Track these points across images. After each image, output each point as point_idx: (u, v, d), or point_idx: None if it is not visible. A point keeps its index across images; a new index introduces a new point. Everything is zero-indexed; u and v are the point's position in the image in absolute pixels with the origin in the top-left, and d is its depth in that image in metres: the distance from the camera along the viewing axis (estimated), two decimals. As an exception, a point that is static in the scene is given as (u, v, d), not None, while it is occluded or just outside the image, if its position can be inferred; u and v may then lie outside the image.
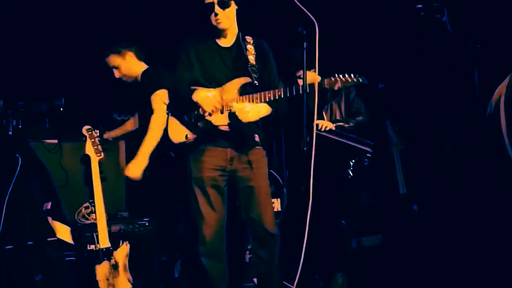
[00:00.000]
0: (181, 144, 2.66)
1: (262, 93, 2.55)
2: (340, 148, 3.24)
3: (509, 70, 2.10)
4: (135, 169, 2.93)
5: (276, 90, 2.52)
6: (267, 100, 2.55)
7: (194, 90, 2.59)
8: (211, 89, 2.60)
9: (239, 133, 2.60)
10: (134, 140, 3.98)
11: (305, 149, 2.43)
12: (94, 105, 3.89)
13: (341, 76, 2.49)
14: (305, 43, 2.33)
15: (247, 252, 3.32)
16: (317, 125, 3.35)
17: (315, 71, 2.34)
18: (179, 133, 2.66)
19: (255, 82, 2.64)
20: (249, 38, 2.74)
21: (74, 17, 3.86)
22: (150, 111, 3.04)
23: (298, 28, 2.39)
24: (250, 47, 2.70)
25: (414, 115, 3.85)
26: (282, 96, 2.52)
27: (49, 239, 2.88)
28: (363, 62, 3.63)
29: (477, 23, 3.01)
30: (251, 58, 2.68)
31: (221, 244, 2.66)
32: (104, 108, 3.97)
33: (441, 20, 2.83)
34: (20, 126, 3.27)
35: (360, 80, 2.48)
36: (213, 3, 2.57)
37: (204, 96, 2.55)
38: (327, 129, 3.33)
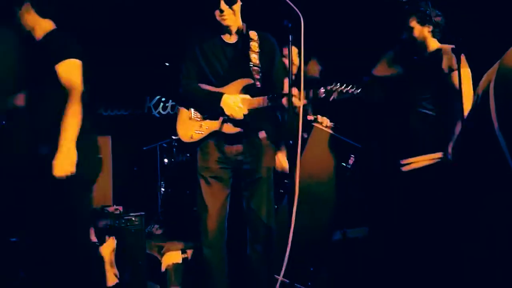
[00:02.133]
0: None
1: (258, 99, 2.54)
2: (338, 144, 3.28)
3: (491, 63, 2.11)
4: (64, 165, 2.35)
5: (265, 98, 2.52)
6: (261, 106, 2.53)
7: (222, 94, 2.56)
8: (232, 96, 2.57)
9: (246, 128, 2.60)
10: (121, 135, 3.98)
11: (290, 142, 2.43)
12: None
13: (338, 85, 2.45)
14: (290, 36, 2.31)
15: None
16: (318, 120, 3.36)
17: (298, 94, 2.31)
18: (186, 131, 2.67)
19: (257, 83, 2.61)
20: (253, 34, 2.68)
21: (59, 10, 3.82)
22: (52, 82, 2.46)
23: (283, 21, 2.38)
24: (254, 44, 2.65)
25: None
26: (270, 105, 2.51)
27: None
28: (349, 55, 3.64)
29: (461, 16, 3.03)
30: (254, 57, 2.63)
31: (221, 236, 2.69)
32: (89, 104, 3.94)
33: (425, 13, 2.85)
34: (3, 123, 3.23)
35: (358, 92, 2.46)
36: None
37: (233, 105, 2.54)
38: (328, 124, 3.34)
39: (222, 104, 2.54)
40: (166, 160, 4.42)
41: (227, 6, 2.51)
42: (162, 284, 3.49)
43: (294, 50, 3.41)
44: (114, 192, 3.55)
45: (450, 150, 2.78)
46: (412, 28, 2.95)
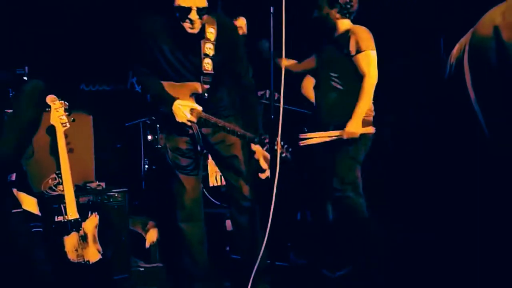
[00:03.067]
0: None
1: (211, 117, 2.52)
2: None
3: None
4: None
5: (231, 125, 2.51)
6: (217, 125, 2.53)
7: (173, 100, 2.51)
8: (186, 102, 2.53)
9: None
10: (104, 111, 3.92)
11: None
12: (59, 74, 3.78)
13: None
14: (271, 8, 2.25)
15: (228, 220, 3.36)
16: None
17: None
18: None
19: (205, 94, 2.55)
20: (210, 31, 2.48)
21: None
22: None
23: None
24: (209, 47, 2.49)
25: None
26: (235, 134, 2.49)
27: (14, 211, 2.83)
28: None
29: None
30: (207, 63, 2.50)
31: (199, 209, 2.73)
32: (70, 78, 3.87)
33: None
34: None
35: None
36: (189, 8, 2.33)
37: (182, 115, 2.50)
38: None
39: (173, 111, 2.50)
40: (149, 137, 4.38)
41: (198, 17, 2.35)
42: (146, 260, 3.50)
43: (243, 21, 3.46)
44: (97, 168, 3.51)
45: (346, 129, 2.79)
46: (321, 7, 2.90)
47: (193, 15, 2.33)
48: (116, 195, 3.21)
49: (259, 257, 2.29)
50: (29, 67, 3.41)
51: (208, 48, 2.50)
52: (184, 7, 2.33)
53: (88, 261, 2.77)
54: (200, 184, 2.79)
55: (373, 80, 2.71)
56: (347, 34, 2.83)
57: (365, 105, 2.72)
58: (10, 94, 3.33)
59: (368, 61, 2.72)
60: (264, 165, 2.54)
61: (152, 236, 3.53)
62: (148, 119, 4.21)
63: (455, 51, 1.51)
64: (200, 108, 2.53)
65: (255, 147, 2.55)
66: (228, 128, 2.49)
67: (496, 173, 1.50)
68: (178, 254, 2.80)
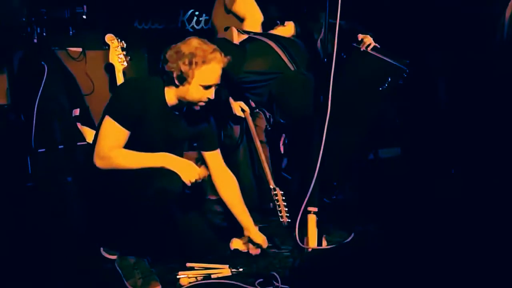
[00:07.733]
0: None
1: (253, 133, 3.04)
2: (379, 65, 3.18)
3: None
4: None
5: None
6: None
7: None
8: None
9: None
10: (156, 49, 3.99)
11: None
12: (116, 13, 3.84)
13: None
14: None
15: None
16: (362, 40, 3.21)
17: None
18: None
19: None
20: None
21: None
22: None
23: None
24: None
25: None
26: None
27: (79, 143, 3.02)
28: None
29: None
30: None
31: None
32: (126, 17, 3.93)
33: None
34: (44, 34, 3.28)
35: None
36: None
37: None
38: (371, 46, 3.21)
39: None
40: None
41: None
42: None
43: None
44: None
45: None
46: None
47: None
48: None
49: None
50: (88, 5, 3.49)
51: None
52: None
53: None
54: None
55: None
56: None
57: None
58: (71, 33, 3.45)
59: None
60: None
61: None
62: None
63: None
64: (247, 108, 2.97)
65: None
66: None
67: None
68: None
